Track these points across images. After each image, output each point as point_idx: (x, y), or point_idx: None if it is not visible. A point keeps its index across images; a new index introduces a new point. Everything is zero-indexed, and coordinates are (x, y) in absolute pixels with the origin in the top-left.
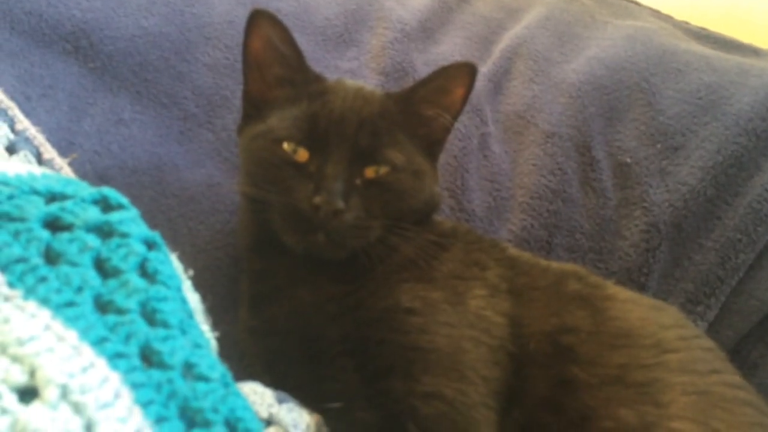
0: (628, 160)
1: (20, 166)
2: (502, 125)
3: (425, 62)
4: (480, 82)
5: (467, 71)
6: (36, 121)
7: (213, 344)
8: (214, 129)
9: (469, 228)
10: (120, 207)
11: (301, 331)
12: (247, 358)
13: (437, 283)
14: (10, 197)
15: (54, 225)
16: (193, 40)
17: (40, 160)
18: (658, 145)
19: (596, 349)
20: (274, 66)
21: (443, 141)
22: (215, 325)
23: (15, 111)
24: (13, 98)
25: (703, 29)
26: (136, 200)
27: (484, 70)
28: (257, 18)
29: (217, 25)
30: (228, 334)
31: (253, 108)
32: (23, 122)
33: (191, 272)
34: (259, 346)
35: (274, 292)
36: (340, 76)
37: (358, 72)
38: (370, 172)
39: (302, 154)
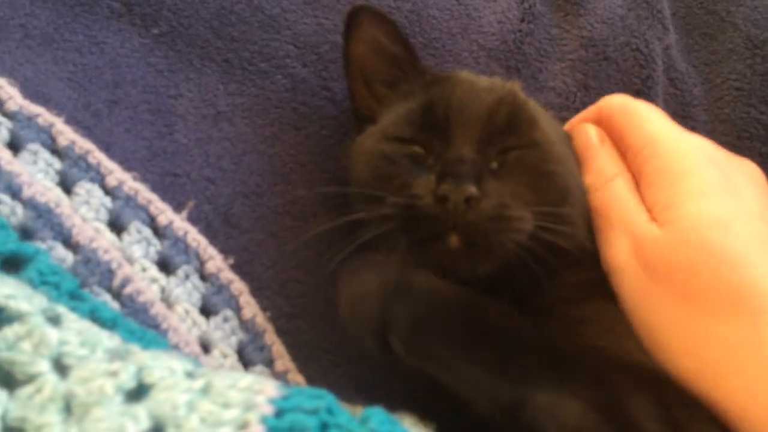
0: None
1: None
2: (684, 24)
3: None
4: None
5: None
6: (121, 153)
7: None
8: (334, 98)
9: None
10: None
11: None
12: None
13: None
14: None
15: None
16: None
17: (155, 229)
18: None
19: None
20: (383, 73)
21: None
22: None
23: (97, 155)
24: (78, 122)
25: None
26: (280, 242)
27: None
28: (359, 16)
29: None
30: None
31: (365, 123)
32: (113, 171)
33: None
34: None
35: None
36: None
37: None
38: (508, 151)
39: (419, 149)
